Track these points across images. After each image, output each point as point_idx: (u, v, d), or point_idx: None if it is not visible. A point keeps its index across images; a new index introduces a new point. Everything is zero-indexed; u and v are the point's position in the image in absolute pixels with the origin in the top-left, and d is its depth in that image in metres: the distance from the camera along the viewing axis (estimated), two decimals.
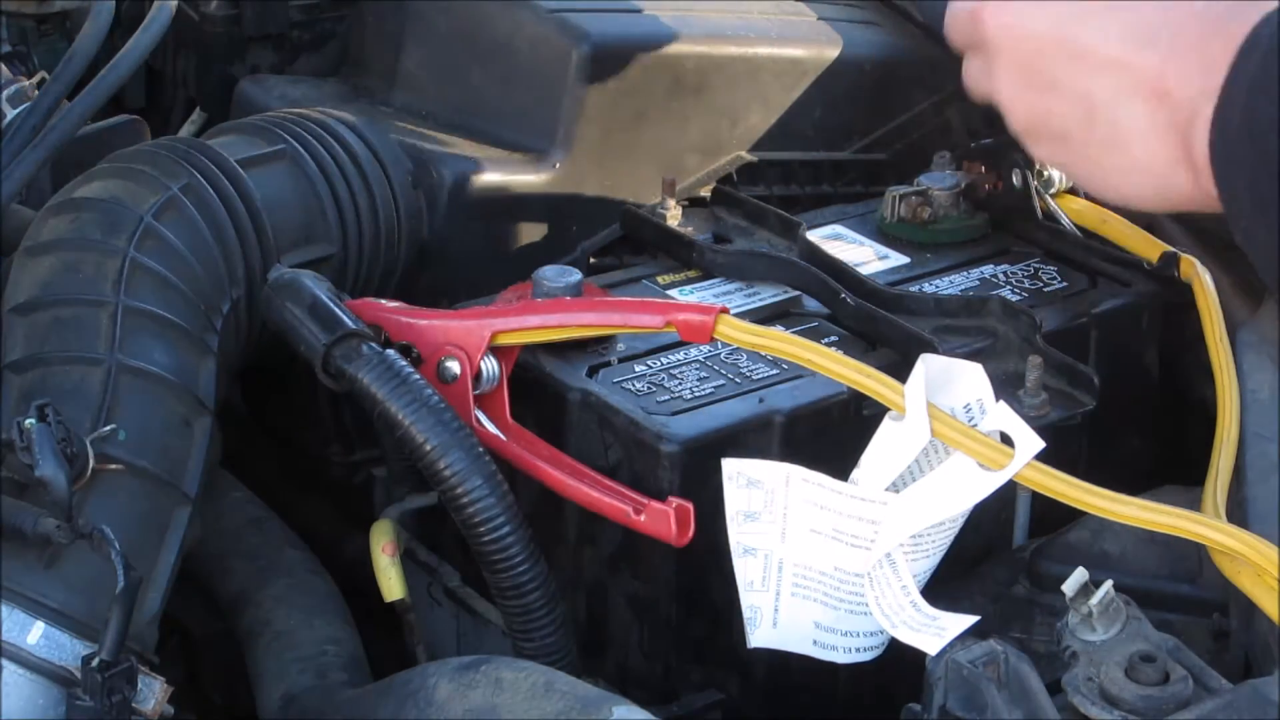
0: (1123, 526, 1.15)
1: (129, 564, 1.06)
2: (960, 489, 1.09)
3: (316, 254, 1.37)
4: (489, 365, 1.26)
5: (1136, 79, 0.99)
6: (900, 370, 1.14)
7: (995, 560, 1.27)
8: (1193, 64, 0.97)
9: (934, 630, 1.07)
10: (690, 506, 1.18)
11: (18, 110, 1.47)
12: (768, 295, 1.40)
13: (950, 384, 1.12)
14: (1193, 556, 1.21)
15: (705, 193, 1.54)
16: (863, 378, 1.14)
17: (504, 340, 1.26)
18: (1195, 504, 1.13)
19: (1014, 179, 1.46)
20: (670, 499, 1.19)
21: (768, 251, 1.43)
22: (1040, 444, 1.09)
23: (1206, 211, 1.00)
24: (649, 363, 1.30)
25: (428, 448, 1.18)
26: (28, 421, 1.07)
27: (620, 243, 1.51)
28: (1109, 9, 1.02)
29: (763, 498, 1.13)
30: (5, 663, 1.07)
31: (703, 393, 1.26)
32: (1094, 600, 1.03)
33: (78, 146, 1.42)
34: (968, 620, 1.06)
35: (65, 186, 1.30)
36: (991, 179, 1.48)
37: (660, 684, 1.26)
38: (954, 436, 1.09)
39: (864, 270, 1.41)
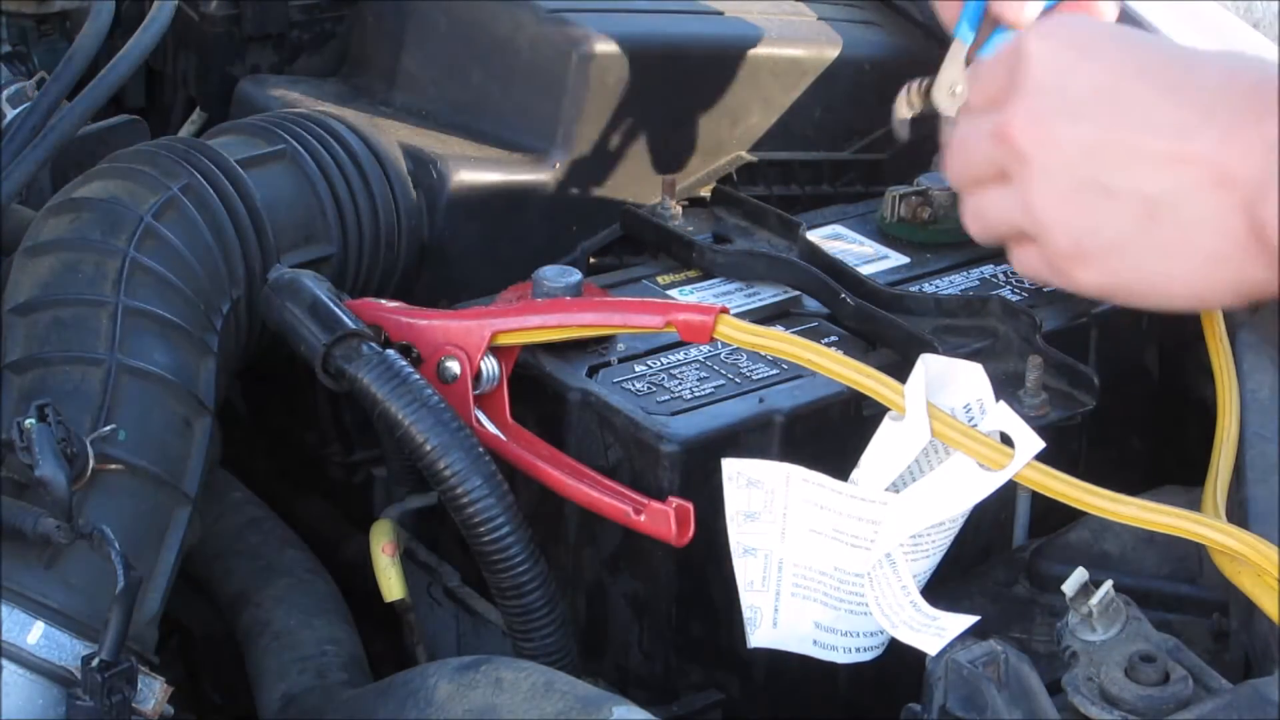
0: (1123, 526, 1.15)
1: (129, 564, 1.06)
2: (960, 489, 1.09)
3: (316, 254, 1.37)
4: (489, 365, 1.26)
5: (1198, 168, 0.96)
6: (900, 370, 1.14)
7: (995, 560, 1.27)
8: (1254, 142, 0.94)
9: (934, 630, 1.07)
10: (690, 506, 1.18)
11: (18, 110, 1.47)
12: (768, 295, 1.40)
13: (950, 384, 1.12)
14: (1193, 557, 1.21)
15: (705, 193, 1.54)
16: (863, 378, 1.14)
17: (504, 340, 1.26)
18: (1195, 504, 1.13)
19: None
20: (670, 499, 1.19)
21: (768, 251, 1.43)
22: (1040, 444, 1.09)
23: None
24: (649, 363, 1.30)
25: (428, 448, 1.18)
26: (28, 421, 1.07)
27: (620, 243, 1.51)
28: (1153, 99, 0.99)
29: (763, 498, 1.13)
30: (5, 663, 1.07)
31: (703, 393, 1.26)
32: (1094, 600, 1.03)
33: (78, 146, 1.42)
34: (968, 620, 1.06)
35: (65, 186, 1.30)
36: None
37: (660, 684, 1.26)
38: (954, 436, 1.09)
39: (864, 270, 1.41)
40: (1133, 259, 1.01)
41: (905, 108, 1.39)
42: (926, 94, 1.39)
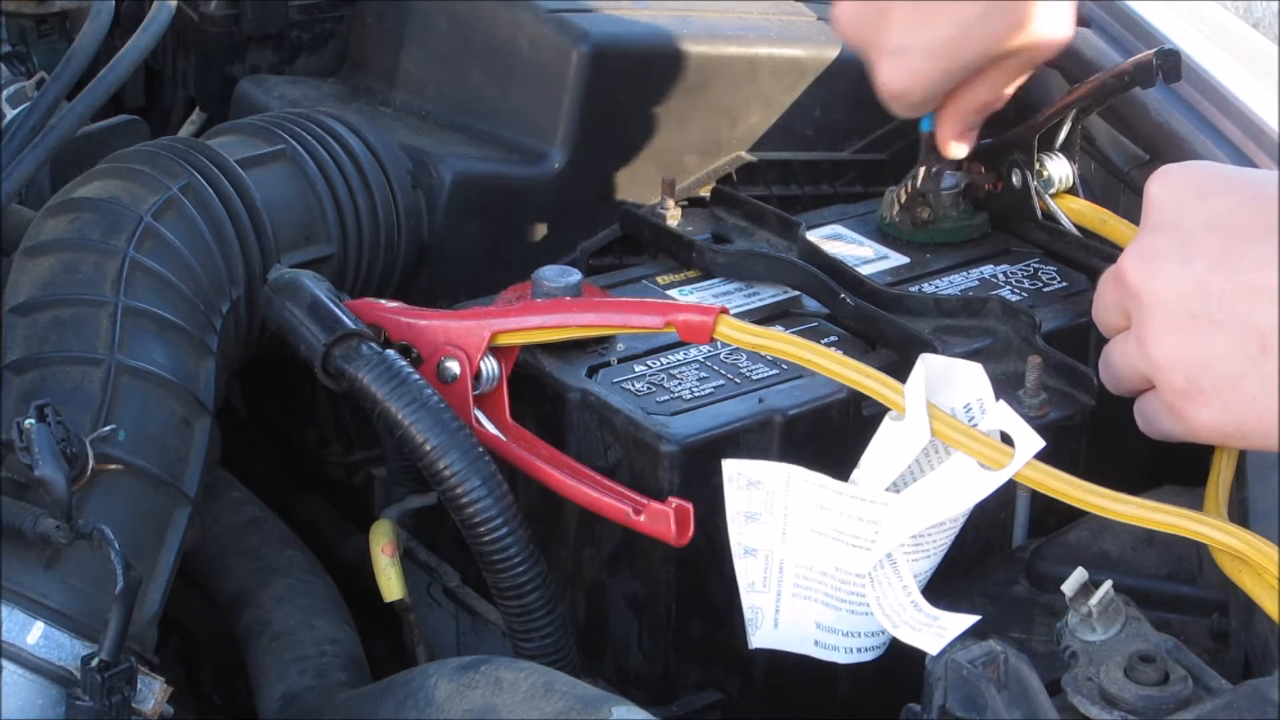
0: (1123, 526, 1.15)
1: (129, 564, 1.06)
2: (961, 489, 1.09)
3: (316, 254, 1.37)
4: (489, 365, 1.26)
5: None
6: (900, 370, 1.14)
7: (995, 560, 1.27)
8: None
9: (935, 630, 1.07)
10: (690, 507, 1.18)
11: (18, 110, 1.47)
12: (767, 295, 1.40)
13: (950, 384, 1.12)
14: (1192, 557, 1.21)
15: (705, 193, 1.54)
16: (863, 378, 1.14)
17: (504, 340, 1.26)
18: (1195, 504, 1.13)
19: (1014, 179, 1.46)
20: (670, 499, 1.19)
21: (767, 251, 1.43)
22: (1040, 443, 1.09)
23: None
24: (649, 363, 1.30)
25: (427, 448, 1.18)
26: (28, 421, 1.07)
27: (620, 243, 1.51)
28: (1262, 235, 1.00)
29: (763, 498, 1.13)
30: (5, 663, 1.07)
31: (702, 393, 1.26)
32: (1093, 600, 1.03)
33: (78, 146, 1.42)
34: (968, 620, 1.06)
35: (65, 186, 1.30)
36: (991, 179, 1.48)
37: (660, 684, 1.26)
38: (954, 436, 1.09)
39: (864, 270, 1.41)
40: (1247, 393, 1.02)
41: (895, 205, 1.47)
42: (912, 189, 1.47)
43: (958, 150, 1.41)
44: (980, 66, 1.32)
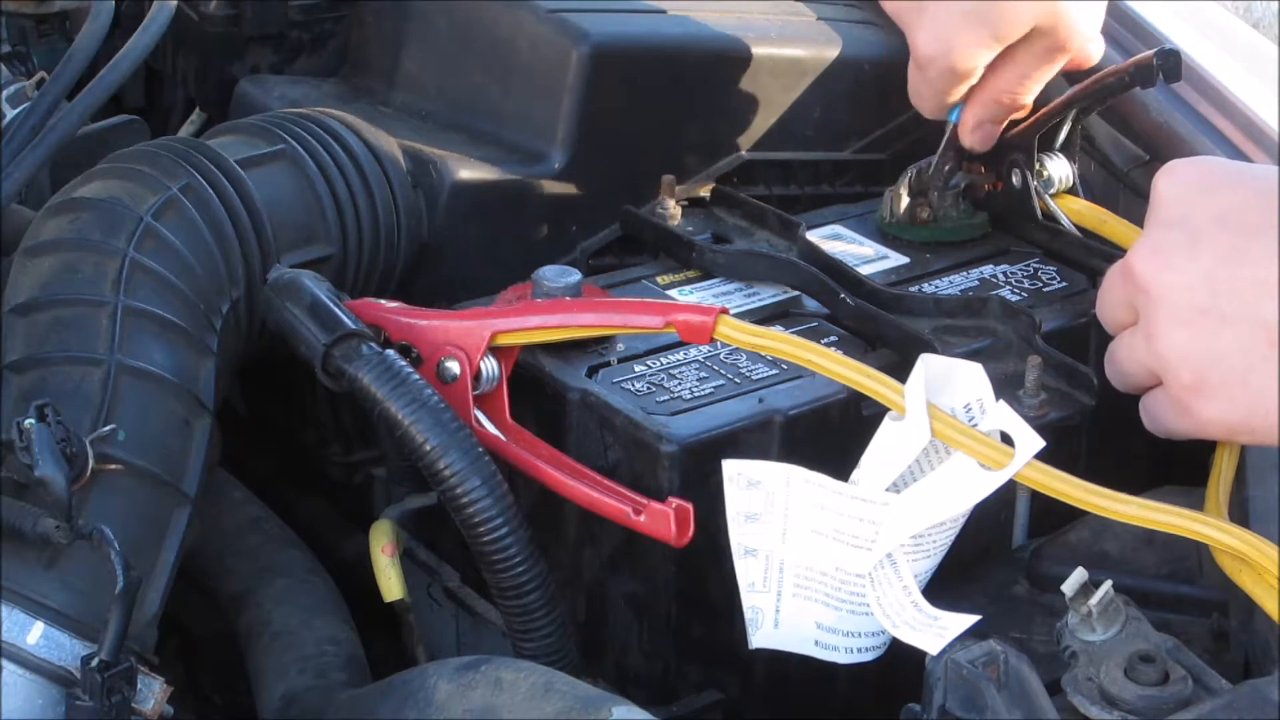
0: (1123, 526, 1.16)
1: (129, 564, 1.06)
2: (961, 489, 1.09)
3: (316, 254, 1.37)
4: (489, 365, 1.26)
5: None
6: (900, 370, 1.14)
7: (995, 560, 1.27)
8: None
9: (935, 630, 1.07)
10: (690, 507, 1.18)
11: (17, 110, 1.47)
12: (767, 295, 1.40)
13: (950, 384, 1.12)
14: (1192, 557, 1.21)
15: (705, 193, 1.54)
16: (863, 378, 1.14)
17: (504, 340, 1.26)
18: (1196, 504, 1.13)
19: (1014, 179, 1.46)
20: (670, 499, 1.19)
21: (767, 251, 1.43)
22: (1040, 443, 1.09)
23: None
24: (649, 363, 1.30)
25: (427, 448, 1.18)
26: (27, 421, 1.07)
27: (620, 243, 1.51)
28: (1269, 229, 1.00)
29: (763, 499, 1.13)
30: (5, 663, 1.07)
31: (702, 393, 1.26)
32: (1093, 600, 1.03)
33: (78, 146, 1.42)
34: (969, 620, 1.06)
35: (65, 186, 1.30)
36: (991, 179, 1.48)
37: (660, 684, 1.26)
38: (954, 436, 1.09)
39: (864, 270, 1.41)
40: (1255, 388, 1.02)
41: (905, 195, 1.48)
42: (920, 178, 1.48)
43: (975, 140, 1.42)
44: (1010, 39, 1.33)
